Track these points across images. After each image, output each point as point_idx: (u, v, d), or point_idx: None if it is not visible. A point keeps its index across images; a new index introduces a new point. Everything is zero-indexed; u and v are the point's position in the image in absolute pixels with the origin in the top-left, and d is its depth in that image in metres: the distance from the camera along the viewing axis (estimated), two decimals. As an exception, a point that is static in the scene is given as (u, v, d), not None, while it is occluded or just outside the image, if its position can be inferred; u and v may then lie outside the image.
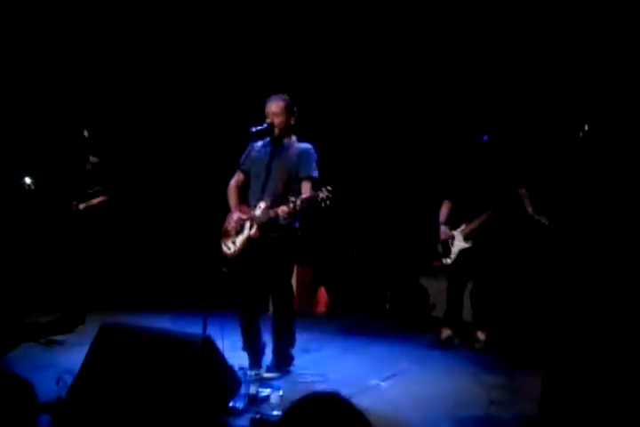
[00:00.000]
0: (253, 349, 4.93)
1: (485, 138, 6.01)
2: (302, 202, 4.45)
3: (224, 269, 4.81)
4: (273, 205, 4.64)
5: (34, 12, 7.22)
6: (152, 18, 7.72)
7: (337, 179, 4.55)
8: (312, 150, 4.89)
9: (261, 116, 4.85)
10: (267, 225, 4.69)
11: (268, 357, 5.00)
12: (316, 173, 4.83)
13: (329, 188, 4.40)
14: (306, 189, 4.72)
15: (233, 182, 5.03)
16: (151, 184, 8.06)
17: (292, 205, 4.46)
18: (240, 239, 4.77)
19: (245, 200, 4.96)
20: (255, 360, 4.90)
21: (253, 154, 4.93)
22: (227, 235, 4.85)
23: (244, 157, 4.99)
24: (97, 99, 7.63)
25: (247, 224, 4.75)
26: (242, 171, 5.02)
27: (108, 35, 7.65)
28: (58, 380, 3.92)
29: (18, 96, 7.31)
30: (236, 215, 4.83)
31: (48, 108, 7.40)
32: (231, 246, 4.81)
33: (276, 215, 4.54)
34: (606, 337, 4.14)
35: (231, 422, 3.74)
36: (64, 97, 7.46)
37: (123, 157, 7.46)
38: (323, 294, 8.09)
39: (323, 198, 4.37)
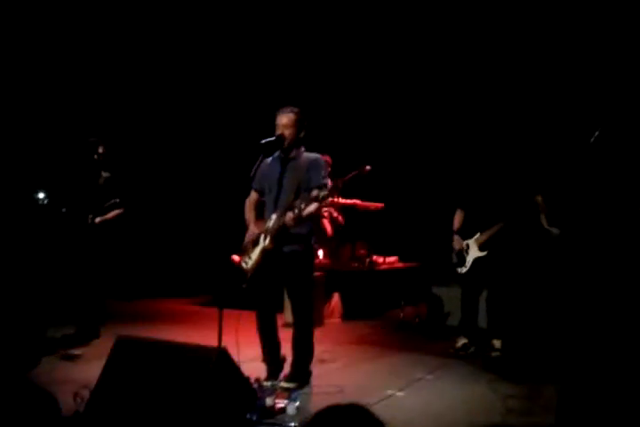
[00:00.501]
0: (272, 360, 4.97)
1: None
2: (306, 205, 4.51)
3: (243, 285, 4.85)
4: (281, 215, 4.71)
5: (48, 32, 7.30)
6: (161, 35, 7.78)
7: (350, 188, 4.59)
8: (321, 160, 4.93)
9: (271, 127, 4.89)
10: (279, 235, 4.74)
11: (285, 369, 5.00)
12: (326, 181, 4.84)
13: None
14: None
15: (249, 201, 5.12)
16: (167, 197, 8.10)
17: (296, 211, 4.52)
18: (256, 252, 4.84)
19: (262, 216, 5.02)
20: (273, 371, 4.93)
21: (264, 171, 4.97)
22: (245, 251, 4.93)
23: (255, 174, 5.00)
24: (109, 114, 7.69)
25: (262, 237, 4.82)
26: (255, 189, 5.09)
27: (123, 55, 7.72)
28: (75, 394, 3.94)
29: (31, 113, 7.38)
30: (251, 230, 4.92)
31: (61, 124, 7.46)
32: (248, 261, 4.88)
33: (284, 222, 4.59)
34: (623, 346, 4.12)
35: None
36: (77, 113, 7.52)
37: (135, 170, 7.52)
38: (337, 303, 8.07)
39: (317, 196, 4.43)
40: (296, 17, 7.68)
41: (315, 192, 4.46)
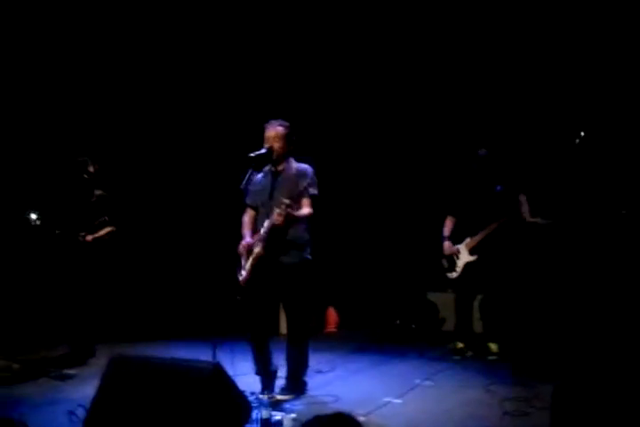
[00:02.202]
0: (265, 372, 4.94)
1: (482, 152, 6.06)
2: (290, 205, 4.52)
3: (238, 297, 4.85)
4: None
5: (33, 44, 7.31)
6: (148, 51, 7.80)
7: (342, 196, 4.61)
8: (310, 170, 4.95)
9: (260, 139, 4.92)
10: (271, 241, 4.75)
11: (280, 380, 5.00)
12: (314, 191, 4.89)
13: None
14: (305, 204, 4.82)
15: (245, 218, 5.12)
16: (158, 214, 8.09)
17: (283, 207, 4.52)
18: (249, 262, 4.85)
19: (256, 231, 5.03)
20: (268, 384, 4.90)
21: (256, 186, 5.00)
22: (240, 263, 4.94)
23: (247, 189, 5.00)
24: (99, 131, 7.68)
25: (255, 245, 4.84)
26: (249, 206, 5.11)
27: (109, 68, 7.72)
28: (70, 413, 3.93)
29: (21, 132, 7.39)
30: (245, 241, 4.94)
31: (51, 144, 7.46)
32: (243, 272, 4.89)
33: (273, 222, 4.61)
34: (617, 346, 4.14)
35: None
36: (67, 133, 7.52)
37: (128, 188, 7.52)
38: (332, 313, 8.08)
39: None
40: (281, 24, 7.71)
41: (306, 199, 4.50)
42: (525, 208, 5.97)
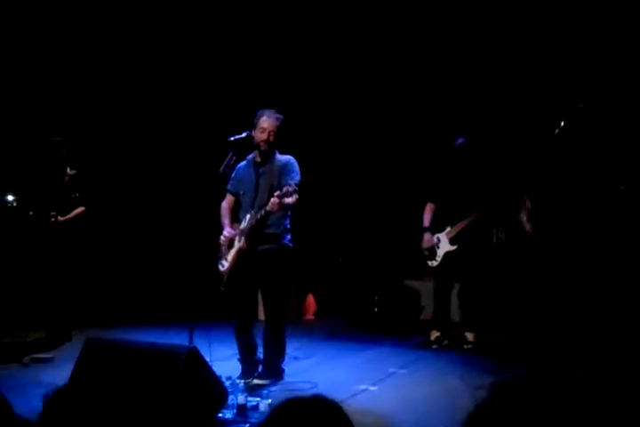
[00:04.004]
0: (248, 360, 4.97)
1: (461, 140, 6.05)
2: (279, 197, 4.50)
3: (221, 288, 4.85)
4: (256, 213, 4.74)
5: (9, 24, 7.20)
6: (127, 29, 7.69)
7: (320, 184, 4.60)
8: (293, 161, 4.97)
9: (240, 124, 4.89)
10: (253, 235, 4.77)
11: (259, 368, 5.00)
12: (297, 181, 4.86)
13: (295, 183, 4.58)
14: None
15: (224, 204, 5.12)
16: (134, 194, 8.01)
17: (279, 192, 4.51)
18: (231, 254, 4.86)
19: (237, 219, 5.04)
20: (248, 370, 4.93)
21: (239, 175, 5.01)
22: (221, 253, 4.95)
23: (229, 177, 5.01)
24: (72, 109, 7.58)
25: (237, 238, 4.85)
26: (231, 193, 5.10)
27: (82, 46, 7.61)
28: (45, 397, 3.90)
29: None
30: (226, 232, 4.94)
31: (25, 124, 7.36)
32: (225, 263, 4.90)
33: (266, 209, 4.61)
34: (591, 337, 4.18)
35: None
36: (40, 113, 7.42)
37: (103, 167, 7.43)
38: (310, 300, 8.09)
39: (289, 192, 4.48)
40: (266, 14, 7.65)
41: (288, 188, 4.48)
42: (524, 210, 5.93)
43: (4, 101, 7.32)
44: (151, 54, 7.89)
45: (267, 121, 4.83)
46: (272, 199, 4.55)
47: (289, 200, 4.59)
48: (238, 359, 4.99)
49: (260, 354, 5.01)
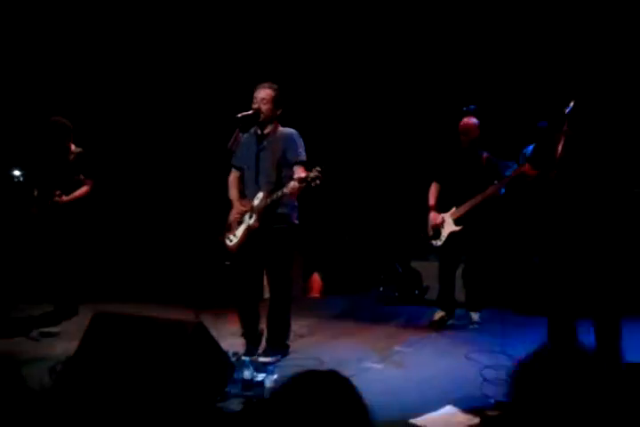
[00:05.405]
0: (252, 334, 5.00)
1: (472, 107, 6.01)
2: (300, 181, 4.48)
3: (227, 262, 4.87)
4: (271, 192, 4.74)
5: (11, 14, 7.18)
6: (126, 15, 7.66)
7: (326, 163, 4.57)
8: (296, 135, 4.96)
9: (247, 105, 4.88)
10: (265, 214, 4.79)
11: (263, 343, 5.03)
12: (303, 156, 4.89)
13: (318, 168, 4.47)
14: (299, 172, 4.77)
15: (231, 178, 5.14)
16: (141, 173, 8.02)
17: (301, 177, 4.49)
18: (240, 230, 4.88)
19: (243, 193, 5.05)
20: (252, 346, 4.96)
21: (241, 148, 4.98)
22: (229, 228, 4.96)
23: (233, 151, 4.97)
24: (79, 90, 7.58)
25: (247, 215, 4.86)
26: (235, 167, 5.12)
27: (85, 31, 7.59)
28: (51, 370, 3.93)
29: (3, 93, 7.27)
30: (236, 208, 4.95)
31: (33, 102, 7.34)
32: (233, 238, 4.92)
33: (283, 192, 4.61)
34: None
35: (225, 406, 3.75)
36: (44, 89, 7.41)
37: (108, 144, 7.42)
38: (316, 278, 8.11)
39: (312, 178, 4.42)
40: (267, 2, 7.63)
41: (311, 174, 4.44)
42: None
43: (11, 80, 7.32)
44: (158, 34, 7.86)
45: (258, 91, 4.85)
46: (292, 183, 4.54)
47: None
48: (242, 335, 5.02)
49: (263, 328, 5.04)
